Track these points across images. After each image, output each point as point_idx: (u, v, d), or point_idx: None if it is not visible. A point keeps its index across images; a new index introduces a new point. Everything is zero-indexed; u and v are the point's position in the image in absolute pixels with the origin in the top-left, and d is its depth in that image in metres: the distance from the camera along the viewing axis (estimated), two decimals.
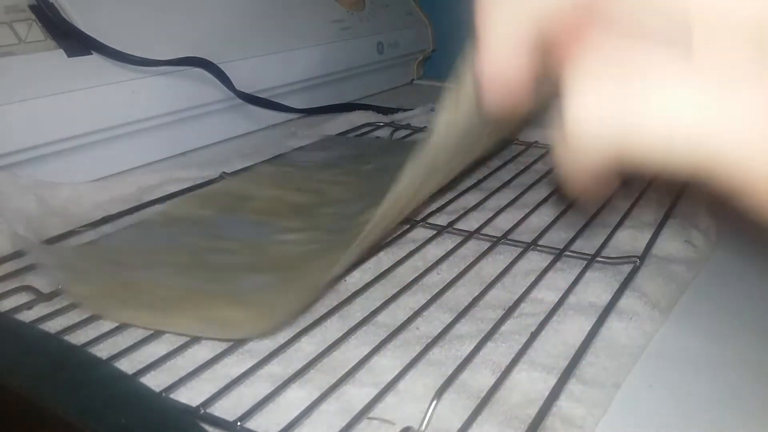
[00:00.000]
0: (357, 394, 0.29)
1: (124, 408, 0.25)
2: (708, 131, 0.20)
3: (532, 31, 0.23)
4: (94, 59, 0.52)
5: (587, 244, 0.42)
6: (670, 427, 0.28)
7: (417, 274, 0.38)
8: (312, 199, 0.48)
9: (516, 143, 0.63)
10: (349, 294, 0.37)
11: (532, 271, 0.39)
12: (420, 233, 0.44)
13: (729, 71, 0.19)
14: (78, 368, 0.28)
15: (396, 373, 0.30)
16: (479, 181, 0.53)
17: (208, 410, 0.28)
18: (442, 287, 0.37)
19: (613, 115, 0.21)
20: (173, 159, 0.58)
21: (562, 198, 0.48)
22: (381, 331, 0.33)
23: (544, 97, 0.24)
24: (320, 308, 0.36)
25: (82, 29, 0.52)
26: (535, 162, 0.57)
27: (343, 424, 0.27)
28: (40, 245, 0.40)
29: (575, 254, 0.40)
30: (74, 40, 0.51)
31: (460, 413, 0.28)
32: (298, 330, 0.33)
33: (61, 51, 0.51)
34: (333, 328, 0.34)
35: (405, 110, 0.72)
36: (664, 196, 0.47)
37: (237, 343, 0.32)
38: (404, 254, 0.41)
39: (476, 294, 0.36)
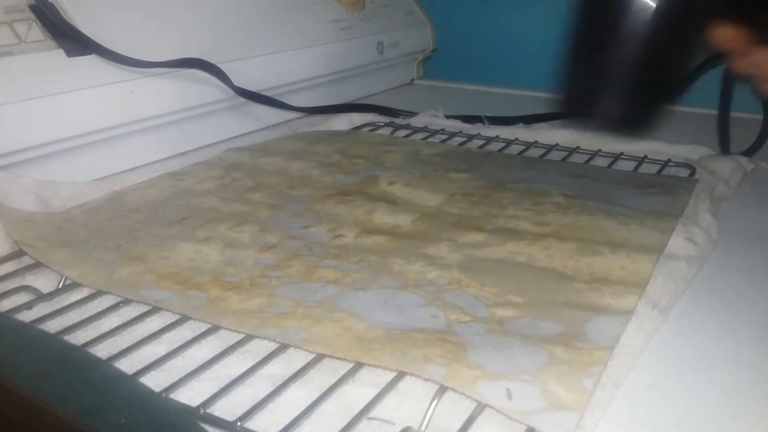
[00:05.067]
0: (357, 394, 0.29)
1: (124, 408, 0.25)
2: None
3: None
4: (94, 59, 0.52)
5: None
6: (670, 427, 0.28)
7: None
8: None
9: (516, 143, 0.63)
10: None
11: None
12: None
13: None
14: (78, 368, 0.28)
15: (396, 373, 0.30)
16: None
17: (208, 410, 0.28)
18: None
19: None
20: (174, 159, 0.58)
21: None
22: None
23: None
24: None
25: (82, 28, 0.52)
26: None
27: (343, 424, 0.27)
28: None
29: None
30: (72, 40, 0.51)
31: (460, 413, 0.28)
32: None
33: (61, 51, 0.50)
34: None
35: (408, 114, 0.72)
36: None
37: (237, 343, 0.32)
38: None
39: None
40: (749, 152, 0.59)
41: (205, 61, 0.59)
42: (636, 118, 0.43)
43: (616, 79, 0.40)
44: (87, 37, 0.51)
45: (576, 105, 0.43)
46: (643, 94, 0.41)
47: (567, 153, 0.60)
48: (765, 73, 0.42)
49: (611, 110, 0.41)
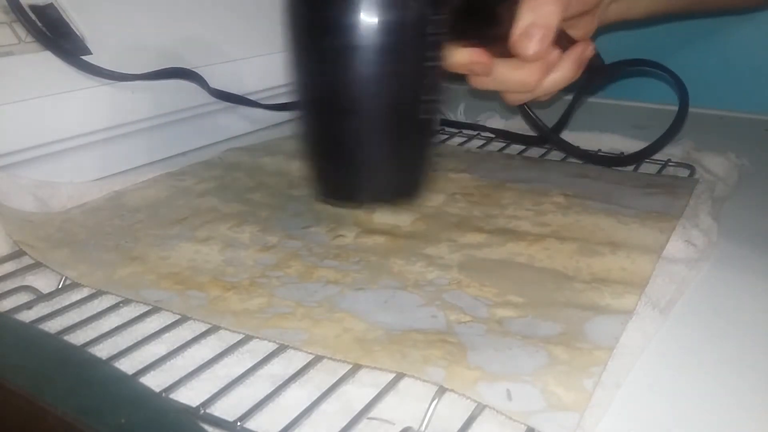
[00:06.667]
0: (357, 394, 0.29)
1: (124, 408, 0.25)
2: None
3: None
4: (95, 60, 0.52)
5: None
6: (670, 427, 0.28)
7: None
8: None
9: (516, 143, 0.63)
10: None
11: None
12: None
13: None
14: (78, 368, 0.28)
15: (396, 373, 0.30)
16: None
17: (208, 410, 0.28)
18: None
19: None
20: (174, 159, 0.58)
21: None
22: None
23: None
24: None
25: (81, 30, 0.52)
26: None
27: (343, 424, 0.27)
28: None
29: None
30: (58, 50, 0.50)
31: (460, 413, 0.28)
32: None
33: None
34: None
35: None
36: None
37: (237, 343, 0.32)
38: None
39: None
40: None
41: (185, 69, 0.57)
42: (408, 187, 0.36)
43: (370, 154, 0.33)
44: (67, 49, 0.51)
45: (332, 190, 0.35)
46: (406, 159, 0.34)
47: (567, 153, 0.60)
48: (509, 86, 0.41)
49: (377, 191, 0.34)
